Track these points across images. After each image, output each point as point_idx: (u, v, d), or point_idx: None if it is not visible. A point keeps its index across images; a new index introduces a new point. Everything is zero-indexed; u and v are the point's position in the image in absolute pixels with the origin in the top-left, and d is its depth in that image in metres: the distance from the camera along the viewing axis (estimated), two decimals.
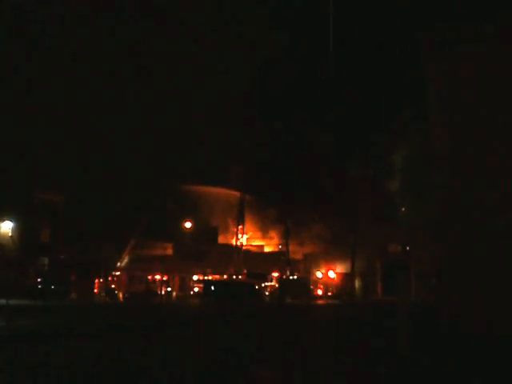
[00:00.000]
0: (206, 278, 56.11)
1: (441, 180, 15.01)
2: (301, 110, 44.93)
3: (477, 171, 14.10)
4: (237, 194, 64.79)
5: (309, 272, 58.68)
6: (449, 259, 14.46)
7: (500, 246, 13.26)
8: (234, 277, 56.42)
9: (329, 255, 57.32)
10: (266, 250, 66.82)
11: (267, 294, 53.18)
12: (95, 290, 51.29)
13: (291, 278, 55.68)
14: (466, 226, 13.79)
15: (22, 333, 15.48)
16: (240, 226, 62.49)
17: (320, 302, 49.58)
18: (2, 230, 45.76)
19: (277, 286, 54.93)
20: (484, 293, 13.34)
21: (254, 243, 66.70)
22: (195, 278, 57.68)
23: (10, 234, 44.27)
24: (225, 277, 56.24)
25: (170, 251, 60.18)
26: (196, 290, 54.56)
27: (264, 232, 65.86)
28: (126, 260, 58.63)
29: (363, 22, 33.77)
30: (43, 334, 15.50)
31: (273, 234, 64.03)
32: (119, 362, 11.54)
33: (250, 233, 65.86)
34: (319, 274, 57.98)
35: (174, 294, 55.63)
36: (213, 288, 48.09)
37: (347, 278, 53.23)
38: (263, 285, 54.30)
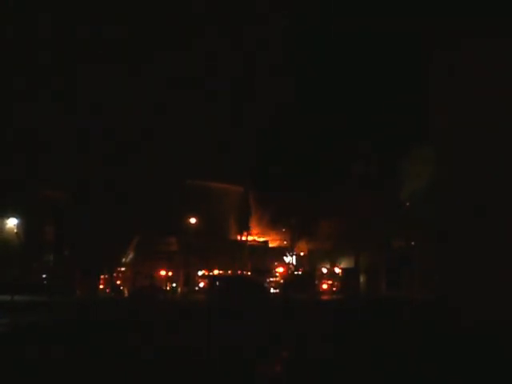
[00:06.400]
0: (210, 273, 56.18)
1: (443, 178, 14.95)
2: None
3: (479, 169, 14.02)
4: (242, 189, 64.80)
5: (314, 267, 58.66)
6: (450, 256, 14.42)
7: (500, 243, 13.20)
8: (239, 272, 56.42)
9: (333, 251, 57.31)
10: (271, 245, 66.80)
11: (272, 289, 53.25)
12: (100, 286, 51.44)
13: (296, 273, 55.73)
14: (467, 223, 13.74)
15: None
16: (245, 222, 62.55)
17: (325, 297, 49.55)
18: (8, 227, 45.94)
19: (282, 281, 54.98)
20: (483, 288, 13.31)
21: (258, 239, 66.72)
22: (200, 273, 57.74)
23: (15, 231, 44.50)
24: (229, 272, 56.32)
25: (175, 247, 60.24)
26: (201, 285, 54.71)
27: (269, 227, 65.83)
28: (130, 256, 58.81)
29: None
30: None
31: (278, 229, 64.03)
32: None
33: (256, 229, 65.88)
34: (324, 270, 57.97)
35: (180, 289, 55.70)
36: (217, 283, 48.15)
37: (352, 273, 53.24)
38: (268, 280, 54.40)
